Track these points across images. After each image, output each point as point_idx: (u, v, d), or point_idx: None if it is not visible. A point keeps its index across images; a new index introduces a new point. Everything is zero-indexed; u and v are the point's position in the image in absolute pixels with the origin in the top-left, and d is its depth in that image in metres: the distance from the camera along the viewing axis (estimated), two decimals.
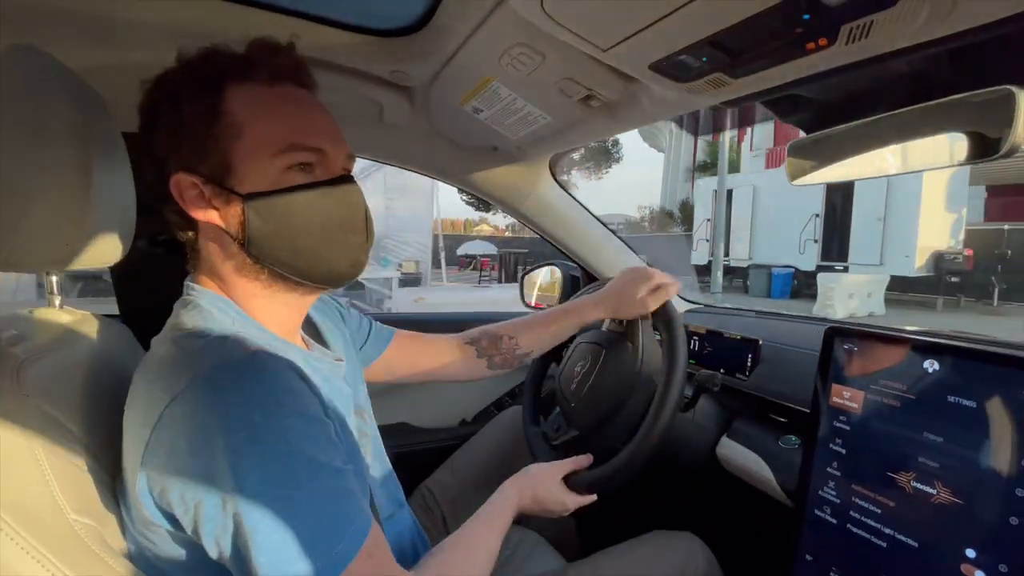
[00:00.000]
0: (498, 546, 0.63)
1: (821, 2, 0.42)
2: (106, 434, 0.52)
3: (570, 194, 1.26)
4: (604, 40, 0.56)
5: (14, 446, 0.43)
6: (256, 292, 0.55)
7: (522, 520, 0.97)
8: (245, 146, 0.50)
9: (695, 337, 1.08)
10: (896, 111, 0.64)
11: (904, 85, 0.60)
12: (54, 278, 0.62)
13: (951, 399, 0.58)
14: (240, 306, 0.55)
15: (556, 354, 1.01)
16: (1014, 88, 0.47)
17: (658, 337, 0.84)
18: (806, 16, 0.45)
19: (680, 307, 1.39)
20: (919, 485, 0.60)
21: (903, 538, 0.60)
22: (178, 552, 0.47)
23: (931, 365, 0.60)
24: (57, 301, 0.62)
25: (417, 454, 1.25)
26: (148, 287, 0.97)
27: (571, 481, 0.76)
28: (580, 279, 1.42)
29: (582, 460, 0.78)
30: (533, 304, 1.52)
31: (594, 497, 0.77)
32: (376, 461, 0.73)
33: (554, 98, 0.76)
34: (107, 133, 0.54)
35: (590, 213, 1.30)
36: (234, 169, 0.51)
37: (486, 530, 0.64)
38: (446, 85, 0.84)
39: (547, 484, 0.74)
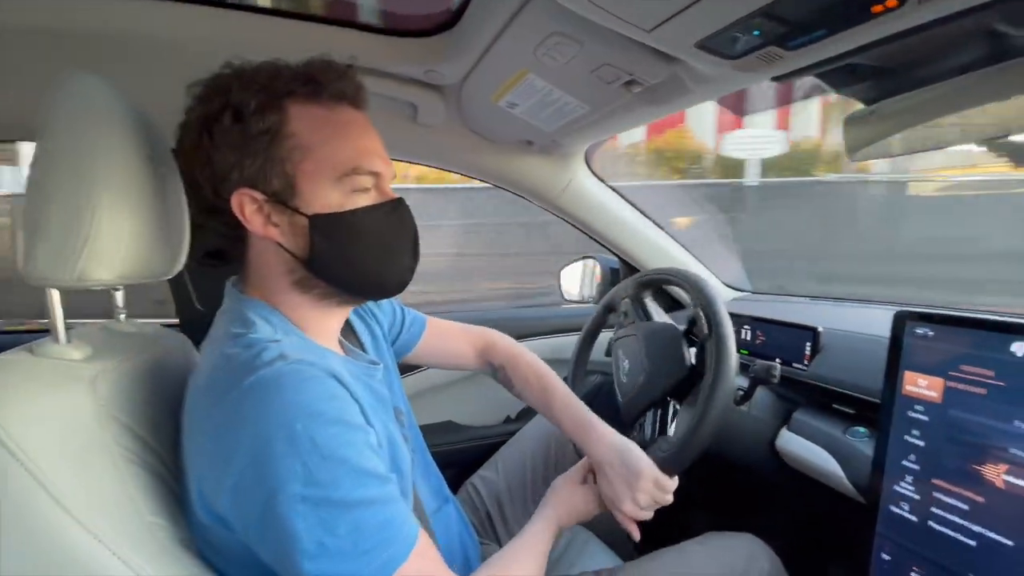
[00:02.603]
0: (541, 564, 0.63)
1: None
2: (170, 439, 0.55)
3: (609, 185, 1.23)
4: (647, 20, 0.53)
5: (95, 454, 0.46)
6: (304, 303, 0.57)
7: None
8: (310, 168, 0.52)
9: (746, 327, 1.04)
10: (969, 74, 0.59)
11: (980, 45, 0.55)
12: (119, 293, 0.64)
13: None
14: (285, 315, 0.56)
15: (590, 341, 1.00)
16: None
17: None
18: None
19: (726, 295, 1.34)
20: (1011, 479, 0.55)
21: (995, 536, 0.56)
22: (235, 551, 0.49)
23: (1020, 348, 0.56)
24: (122, 316, 0.64)
25: (464, 451, 1.25)
26: (203, 297, 1.01)
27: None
28: (620, 271, 1.39)
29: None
30: (572, 299, 1.50)
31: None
32: (419, 459, 0.74)
33: (592, 86, 0.74)
34: (160, 151, 0.56)
35: (630, 203, 1.27)
36: (299, 190, 0.52)
37: (529, 548, 0.64)
38: (480, 81, 0.83)
39: (569, 498, 0.72)
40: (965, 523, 0.58)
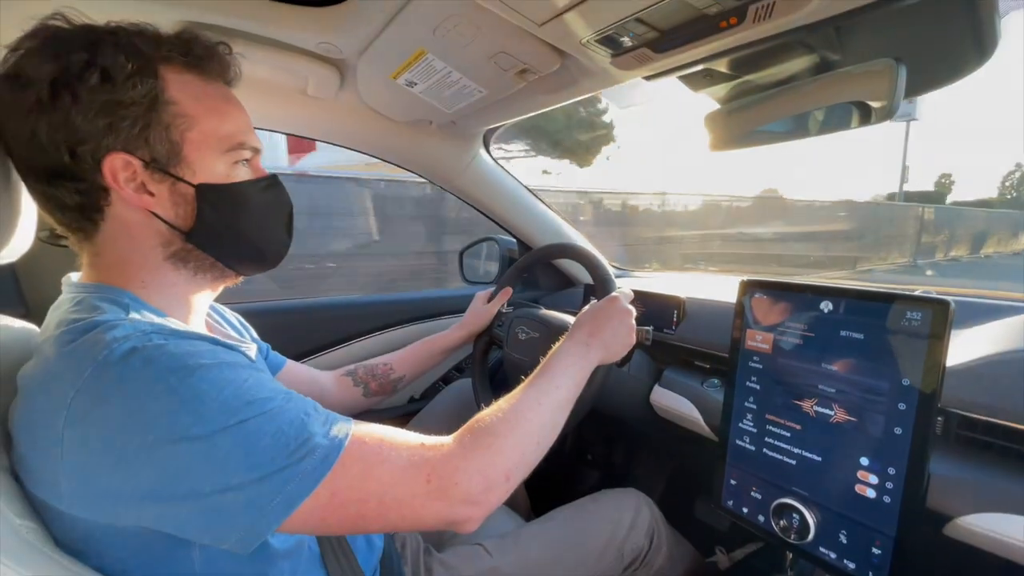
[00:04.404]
0: (554, 401, 0.61)
1: None
2: None
3: (504, 167, 1.28)
4: (538, 15, 0.58)
5: None
6: (176, 282, 0.55)
7: None
8: (196, 138, 0.52)
9: None
10: (795, 84, 0.72)
11: (802, 61, 0.68)
12: None
13: (843, 333, 0.68)
14: (143, 299, 0.53)
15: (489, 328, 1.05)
16: (894, 61, 0.55)
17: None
18: None
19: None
20: (820, 409, 0.70)
21: (809, 454, 0.71)
22: (104, 543, 0.46)
23: (826, 306, 0.70)
24: None
25: None
26: (55, 282, 0.89)
27: None
28: (516, 251, 1.46)
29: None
30: (473, 280, 1.54)
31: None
32: None
33: (489, 71, 0.77)
34: None
35: (524, 186, 1.34)
36: (185, 159, 0.52)
37: (528, 387, 0.62)
38: (377, 57, 0.83)
39: (611, 320, 0.75)
40: (788, 447, 0.73)
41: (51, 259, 0.87)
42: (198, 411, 0.41)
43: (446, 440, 0.52)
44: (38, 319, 0.66)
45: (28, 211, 0.55)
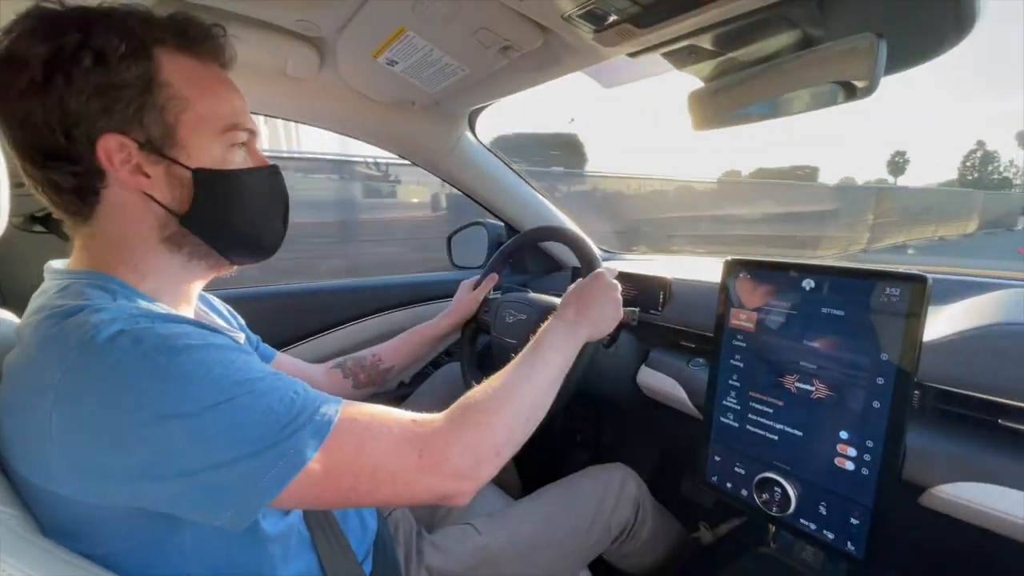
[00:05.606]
0: (543, 377, 0.62)
1: None
2: None
3: (490, 150, 1.27)
4: None
5: None
6: (169, 265, 0.55)
7: None
8: (192, 120, 0.51)
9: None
10: (778, 62, 0.72)
11: (785, 37, 0.68)
12: None
13: (824, 310, 0.69)
14: (132, 285, 0.52)
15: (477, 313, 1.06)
16: (875, 36, 0.55)
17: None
18: None
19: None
20: (801, 385, 0.71)
21: (790, 430, 0.72)
22: (94, 526, 0.45)
23: (808, 284, 0.71)
24: None
25: None
26: (31, 268, 0.87)
27: None
28: (504, 235, 1.45)
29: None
30: (461, 265, 1.53)
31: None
32: None
33: (471, 49, 0.76)
34: None
35: (511, 169, 1.33)
36: (180, 141, 0.51)
37: (517, 365, 0.62)
38: (357, 35, 0.81)
39: (596, 295, 0.76)
40: (770, 423, 0.74)
41: (25, 246, 0.85)
42: (187, 389, 0.41)
43: (437, 417, 0.52)
44: (14, 307, 0.65)
45: (0, 197, 0.53)
